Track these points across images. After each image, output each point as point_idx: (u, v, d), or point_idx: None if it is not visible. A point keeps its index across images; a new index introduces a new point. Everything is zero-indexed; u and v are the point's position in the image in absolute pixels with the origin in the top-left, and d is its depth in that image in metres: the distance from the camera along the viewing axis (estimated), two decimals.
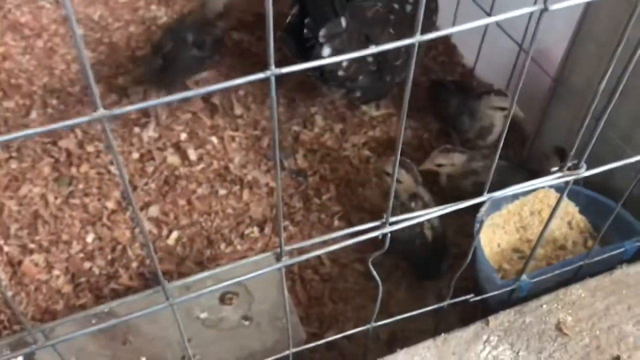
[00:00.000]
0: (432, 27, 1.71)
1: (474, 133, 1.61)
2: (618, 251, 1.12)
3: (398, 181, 1.37)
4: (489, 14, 1.67)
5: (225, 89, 0.49)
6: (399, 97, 1.81)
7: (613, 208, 1.00)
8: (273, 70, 0.53)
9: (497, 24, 1.62)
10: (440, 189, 1.52)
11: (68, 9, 0.44)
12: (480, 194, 0.80)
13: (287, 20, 1.56)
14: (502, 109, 1.54)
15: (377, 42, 1.60)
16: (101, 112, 0.49)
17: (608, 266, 1.09)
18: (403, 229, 0.78)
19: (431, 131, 1.74)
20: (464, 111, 1.61)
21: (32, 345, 0.70)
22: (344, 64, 1.54)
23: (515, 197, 1.25)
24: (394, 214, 0.76)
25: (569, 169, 0.83)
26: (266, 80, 0.53)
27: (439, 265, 1.38)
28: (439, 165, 1.48)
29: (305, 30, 1.49)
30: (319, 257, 1.45)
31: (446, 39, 1.98)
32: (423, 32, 0.56)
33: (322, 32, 1.49)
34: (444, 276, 1.39)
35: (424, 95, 1.75)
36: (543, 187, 1.16)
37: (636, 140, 1.24)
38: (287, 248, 0.75)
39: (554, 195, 1.25)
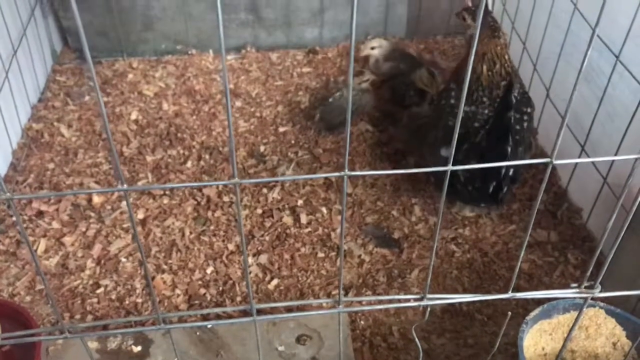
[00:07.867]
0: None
1: None
2: None
3: None
4: (582, 147, 1.85)
5: (303, 179, 0.77)
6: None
7: None
8: (346, 172, 0.81)
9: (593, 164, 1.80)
10: None
11: (226, 87, 0.75)
12: None
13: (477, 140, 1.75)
14: None
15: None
16: (235, 179, 0.80)
17: None
18: None
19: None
20: None
21: (155, 326, 1.00)
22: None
23: (566, 310, 1.40)
24: None
25: (586, 287, 1.00)
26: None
27: None
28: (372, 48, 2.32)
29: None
30: (390, 327, 1.67)
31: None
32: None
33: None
34: None
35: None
36: (591, 306, 1.32)
37: None
38: (345, 299, 1.00)
39: (603, 316, 1.38)
